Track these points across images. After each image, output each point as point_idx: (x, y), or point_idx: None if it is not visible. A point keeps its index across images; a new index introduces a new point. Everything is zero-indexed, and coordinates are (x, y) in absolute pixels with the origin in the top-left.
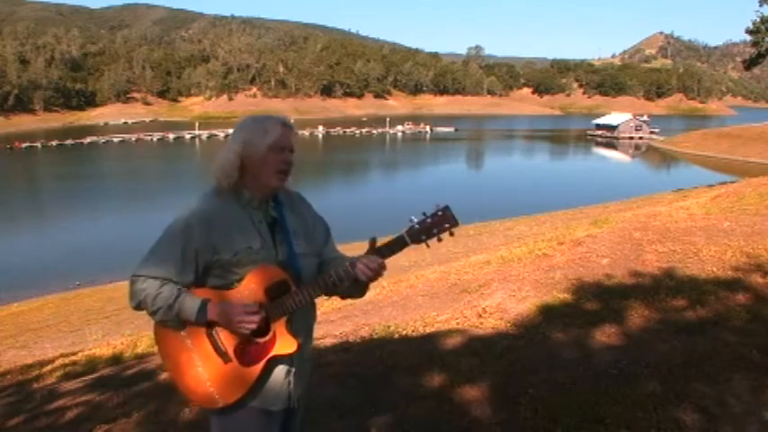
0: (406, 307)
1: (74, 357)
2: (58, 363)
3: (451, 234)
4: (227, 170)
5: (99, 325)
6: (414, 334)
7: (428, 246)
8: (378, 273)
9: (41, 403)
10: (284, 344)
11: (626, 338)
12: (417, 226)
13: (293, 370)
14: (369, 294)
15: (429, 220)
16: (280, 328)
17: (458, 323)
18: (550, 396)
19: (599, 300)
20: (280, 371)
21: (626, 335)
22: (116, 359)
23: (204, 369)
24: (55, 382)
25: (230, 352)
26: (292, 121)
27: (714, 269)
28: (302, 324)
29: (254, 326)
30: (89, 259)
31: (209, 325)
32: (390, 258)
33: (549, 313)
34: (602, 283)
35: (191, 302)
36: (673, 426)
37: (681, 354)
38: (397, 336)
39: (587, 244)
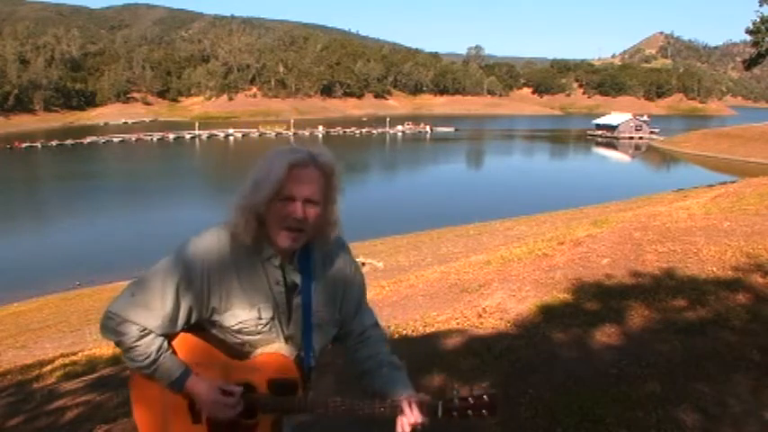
0: (406, 307)
1: (74, 357)
2: (58, 363)
3: (483, 419)
4: (244, 218)
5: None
6: (414, 334)
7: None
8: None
9: (41, 403)
10: None
11: (626, 338)
12: (457, 402)
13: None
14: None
15: (470, 399)
16: (265, 421)
17: (458, 323)
18: (550, 396)
19: (599, 300)
20: None
21: (626, 335)
22: (116, 359)
23: (171, 420)
24: (55, 382)
25: (204, 415)
26: (292, 121)
27: (714, 269)
28: (289, 424)
29: (226, 417)
30: (89, 259)
31: None
32: (390, 259)
33: (549, 313)
34: (602, 283)
35: (168, 370)
36: (673, 426)
37: (681, 354)
38: (397, 336)
39: (587, 244)
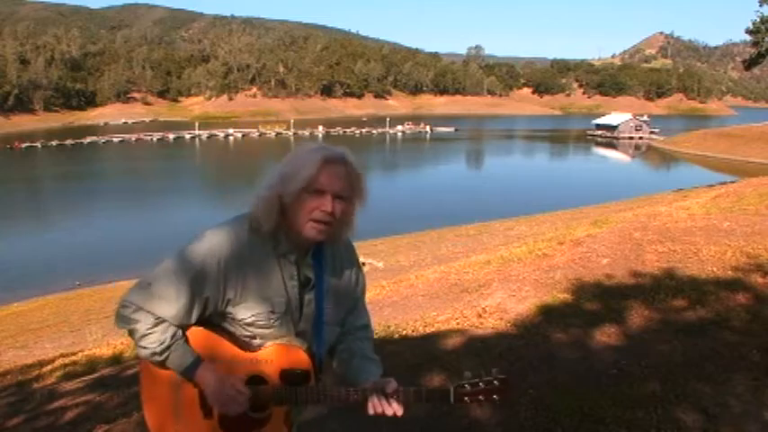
0: (406, 307)
1: (74, 357)
2: (57, 363)
3: (495, 404)
4: (270, 209)
5: (99, 325)
6: (414, 334)
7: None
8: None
9: (41, 403)
10: (275, 429)
11: (626, 338)
12: (467, 387)
13: None
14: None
15: (481, 384)
16: (278, 413)
17: (458, 323)
18: (550, 396)
19: (599, 300)
20: None
21: (626, 335)
22: (116, 359)
23: (180, 415)
24: (55, 382)
25: (215, 410)
26: (292, 121)
27: (714, 269)
28: (296, 420)
29: (230, 413)
30: (89, 259)
31: None
32: (391, 259)
33: (549, 313)
34: (602, 283)
35: (181, 357)
36: (673, 426)
37: (681, 354)
38: (397, 336)
39: (587, 244)
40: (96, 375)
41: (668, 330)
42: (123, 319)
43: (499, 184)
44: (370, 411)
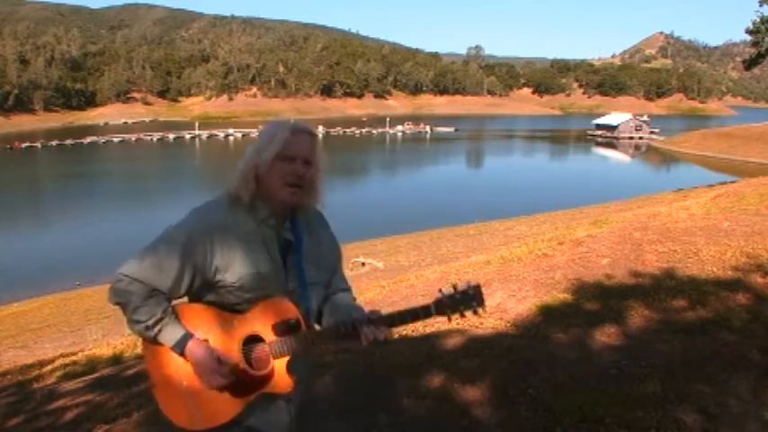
0: (406, 307)
1: (74, 357)
2: (58, 363)
3: (475, 313)
4: (247, 178)
5: (99, 325)
6: (414, 334)
7: (450, 320)
8: (380, 343)
9: (41, 403)
10: (281, 383)
11: (626, 338)
12: (446, 299)
13: (291, 405)
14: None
15: (458, 295)
16: (280, 365)
17: (458, 323)
18: (550, 396)
19: (599, 300)
20: (275, 406)
21: (626, 335)
22: (116, 359)
23: (190, 388)
24: (55, 382)
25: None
26: (292, 121)
27: (714, 269)
28: (304, 363)
29: (213, 386)
30: (89, 259)
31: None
32: (390, 259)
33: (549, 313)
34: (602, 283)
35: (171, 332)
36: (673, 426)
37: (681, 354)
38: (397, 336)
39: (587, 244)
40: (96, 375)
41: (668, 330)
42: (118, 293)
43: (499, 184)
44: (363, 342)
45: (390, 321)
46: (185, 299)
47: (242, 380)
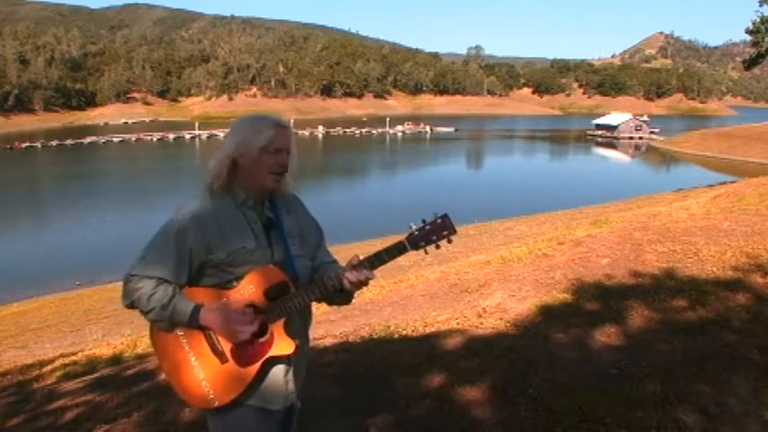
0: (406, 307)
1: (74, 357)
2: (58, 363)
3: (449, 241)
4: (217, 171)
5: (99, 325)
6: (414, 334)
7: (426, 252)
8: (364, 284)
9: (41, 403)
10: (282, 345)
11: (626, 338)
12: (417, 233)
13: (291, 369)
14: (369, 294)
15: (428, 227)
16: (278, 329)
17: (458, 323)
18: (550, 396)
19: (599, 300)
20: (278, 370)
21: (626, 335)
22: (116, 359)
23: (201, 369)
24: (55, 382)
25: (227, 352)
26: (292, 121)
27: (714, 269)
28: (300, 325)
29: (247, 335)
30: (89, 259)
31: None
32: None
33: (549, 313)
34: (602, 283)
35: (184, 306)
36: (673, 426)
37: (681, 354)
38: (397, 336)
39: (587, 244)
40: (96, 375)
41: (668, 330)
42: (129, 293)
43: (499, 184)
44: (346, 285)
45: (370, 263)
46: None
47: (245, 350)
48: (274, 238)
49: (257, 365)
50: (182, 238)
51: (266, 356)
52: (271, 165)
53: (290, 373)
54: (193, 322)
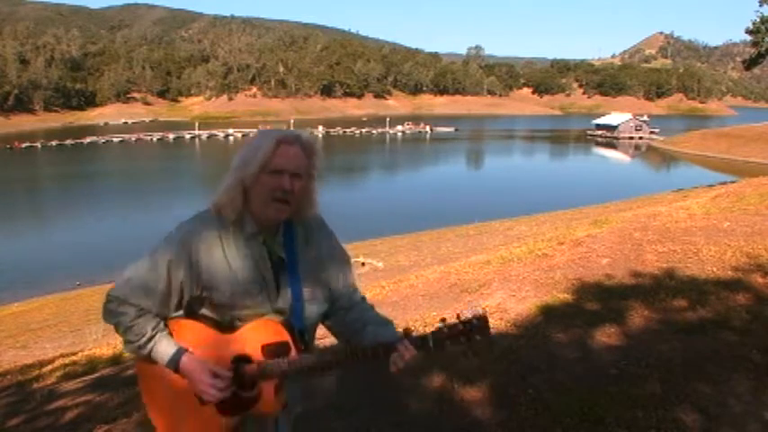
0: (406, 307)
1: (74, 357)
2: (58, 363)
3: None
4: (231, 195)
5: (99, 325)
6: (413, 334)
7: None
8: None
9: (41, 403)
10: (267, 404)
11: (626, 338)
12: (446, 330)
13: (278, 424)
14: (369, 294)
15: (461, 326)
16: (267, 387)
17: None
18: (550, 396)
19: (599, 300)
20: (259, 425)
21: (626, 335)
22: (116, 359)
23: (179, 406)
24: (55, 382)
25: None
26: (292, 121)
27: (714, 269)
28: (295, 385)
29: (214, 401)
30: (89, 259)
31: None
32: (390, 259)
33: (549, 313)
34: (602, 283)
35: (164, 347)
36: (673, 426)
37: (681, 354)
38: None
39: (587, 244)
40: (96, 375)
41: (668, 330)
42: (109, 314)
43: (499, 184)
44: (392, 368)
45: (424, 343)
46: (181, 312)
47: (231, 400)
48: (284, 280)
49: (236, 419)
50: (173, 269)
51: (247, 412)
52: (271, 188)
53: (275, 424)
54: (171, 366)
